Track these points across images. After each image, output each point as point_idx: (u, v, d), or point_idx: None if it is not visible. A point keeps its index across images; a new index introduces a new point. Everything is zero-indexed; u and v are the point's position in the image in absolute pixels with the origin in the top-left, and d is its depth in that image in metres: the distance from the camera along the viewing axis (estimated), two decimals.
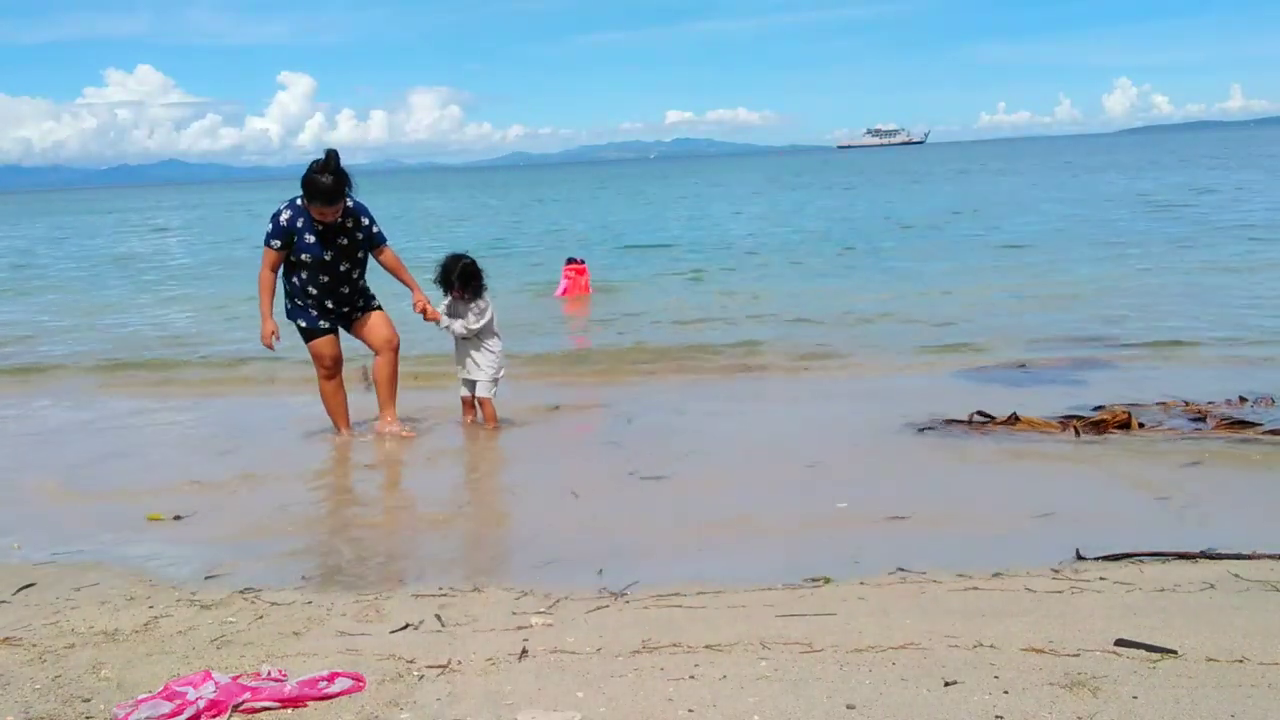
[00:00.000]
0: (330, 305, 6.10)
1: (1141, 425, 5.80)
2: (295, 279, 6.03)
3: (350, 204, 5.92)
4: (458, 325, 6.23)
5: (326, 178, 5.72)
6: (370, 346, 6.28)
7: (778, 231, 23.49)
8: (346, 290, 6.11)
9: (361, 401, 6.59)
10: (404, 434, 6.26)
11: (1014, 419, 5.95)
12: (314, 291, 6.03)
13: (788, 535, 4.40)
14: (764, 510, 4.72)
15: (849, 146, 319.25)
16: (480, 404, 6.41)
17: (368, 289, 6.29)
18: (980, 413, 6.04)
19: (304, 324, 6.12)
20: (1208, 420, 5.84)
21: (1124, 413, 5.87)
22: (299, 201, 5.88)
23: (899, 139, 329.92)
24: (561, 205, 44.53)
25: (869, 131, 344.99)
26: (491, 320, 6.30)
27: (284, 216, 5.89)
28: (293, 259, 5.97)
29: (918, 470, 5.29)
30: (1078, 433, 5.72)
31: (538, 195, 57.60)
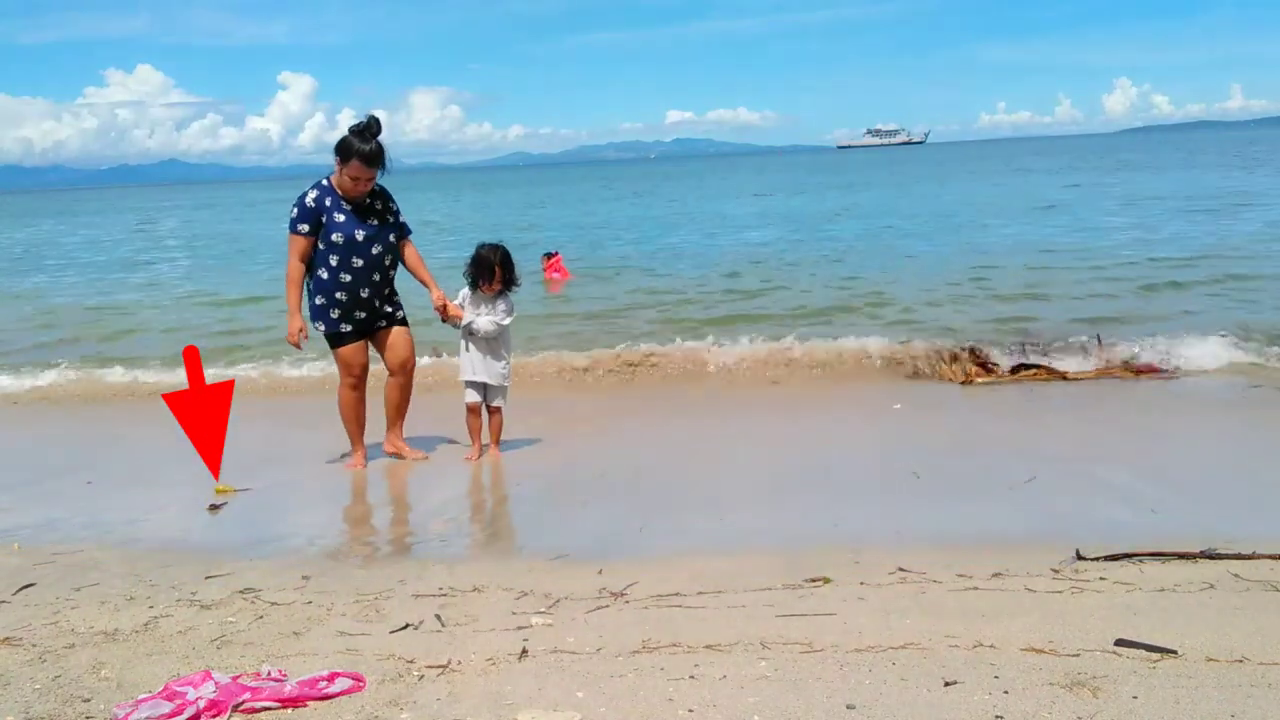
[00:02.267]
0: (364, 295, 5.63)
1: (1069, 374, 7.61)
2: (323, 270, 5.57)
3: (378, 187, 5.64)
4: (484, 321, 5.70)
5: (370, 139, 5.43)
6: (385, 364, 5.92)
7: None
8: (378, 279, 5.66)
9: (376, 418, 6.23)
10: (408, 455, 5.97)
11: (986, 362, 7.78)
12: (346, 280, 5.56)
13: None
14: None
15: (849, 146, 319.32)
16: (490, 413, 5.94)
17: (395, 291, 5.87)
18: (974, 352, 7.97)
19: (324, 328, 5.68)
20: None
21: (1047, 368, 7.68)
22: (325, 181, 5.56)
23: (899, 139, 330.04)
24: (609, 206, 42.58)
25: (869, 131, 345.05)
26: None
27: (310, 197, 5.51)
28: (321, 245, 5.53)
29: None
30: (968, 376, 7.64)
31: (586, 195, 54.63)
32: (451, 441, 6.28)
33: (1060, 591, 3.49)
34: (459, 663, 3.07)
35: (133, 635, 3.42)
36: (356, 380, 5.81)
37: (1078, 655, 2.96)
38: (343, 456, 6.00)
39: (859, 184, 47.03)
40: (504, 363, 5.88)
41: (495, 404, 5.91)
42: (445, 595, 3.72)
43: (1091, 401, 6.91)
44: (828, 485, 5.14)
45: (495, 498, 5.45)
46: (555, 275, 14.93)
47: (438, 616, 3.49)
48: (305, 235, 5.52)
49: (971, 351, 7.97)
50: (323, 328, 5.69)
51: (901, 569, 3.78)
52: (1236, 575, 3.57)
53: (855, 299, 11.84)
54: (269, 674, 3.00)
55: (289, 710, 2.82)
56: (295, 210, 5.53)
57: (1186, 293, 11.21)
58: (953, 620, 3.25)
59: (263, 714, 2.81)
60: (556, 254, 15.51)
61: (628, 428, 6.58)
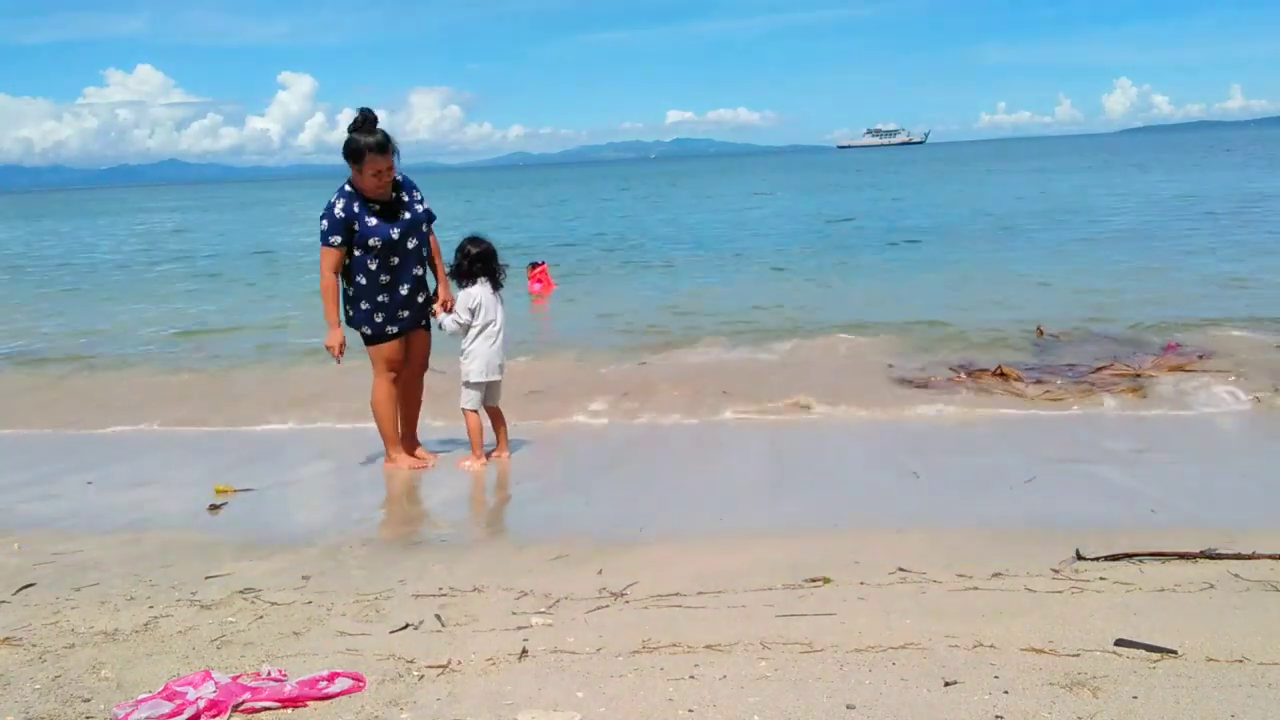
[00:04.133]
0: (405, 293, 5.59)
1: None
2: (362, 276, 5.50)
3: (399, 177, 5.56)
4: (446, 319, 5.70)
5: (373, 130, 5.35)
6: (408, 363, 5.84)
7: None
8: (419, 272, 5.64)
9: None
10: (428, 461, 5.91)
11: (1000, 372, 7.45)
12: (386, 281, 5.50)
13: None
14: None
15: (849, 146, 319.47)
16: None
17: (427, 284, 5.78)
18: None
19: (369, 331, 5.58)
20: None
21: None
22: (347, 187, 5.44)
23: (899, 139, 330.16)
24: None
25: (869, 131, 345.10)
26: (478, 315, 5.64)
27: (338, 208, 5.40)
28: (357, 251, 5.45)
29: None
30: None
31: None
32: (453, 443, 6.29)
33: (1060, 591, 3.49)
34: (459, 663, 3.07)
35: (133, 635, 3.42)
36: (396, 376, 5.73)
37: (1078, 655, 2.96)
38: (374, 458, 5.90)
39: (895, 184, 45.63)
40: (464, 362, 5.75)
41: (462, 404, 5.82)
42: (445, 595, 3.72)
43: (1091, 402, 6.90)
44: (828, 485, 5.15)
45: (495, 498, 5.45)
46: (538, 286, 14.13)
47: (438, 616, 3.49)
48: (338, 247, 5.42)
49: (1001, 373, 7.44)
50: (368, 331, 5.59)
51: (901, 569, 3.78)
52: (1236, 575, 3.57)
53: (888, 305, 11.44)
54: (269, 674, 3.00)
55: (289, 710, 2.82)
56: (325, 223, 5.42)
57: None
58: (953, 620, 3.25)
59: (263, 714, 2.81)
60: (542, 263, 14.66)
61: (628, 428, 6.57)
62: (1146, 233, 18.02)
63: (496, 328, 5.73)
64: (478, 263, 5.66)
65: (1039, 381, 7.20)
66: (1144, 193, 29.04)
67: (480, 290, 5.66)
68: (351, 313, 5.60)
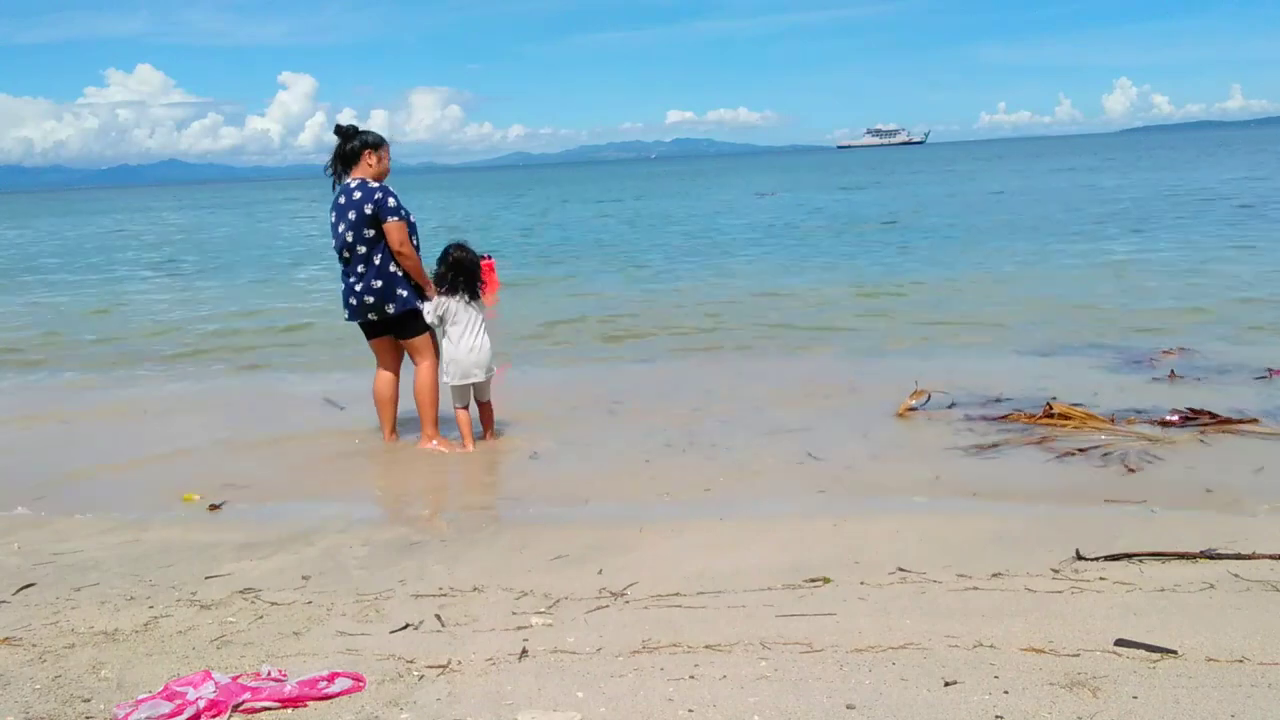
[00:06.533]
0: None
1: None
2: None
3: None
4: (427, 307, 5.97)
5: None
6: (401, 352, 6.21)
7: None
8: None
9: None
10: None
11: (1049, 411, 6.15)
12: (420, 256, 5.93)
13: None
14: None
15: (849, 146, 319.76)
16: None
17: None
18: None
19: (418, 307, 5.90)
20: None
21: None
22: (372, 182, 5.78)
23: (899, 139, 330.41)
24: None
25: (869, 131, 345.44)
26: (448, 317, 5.93)
27: (389, 188, 5.76)
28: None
29: None
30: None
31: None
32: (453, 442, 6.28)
33: (1060, 591, 3.48)
34: (459, 663, 3.07)
35: (133, 635, 3.42)
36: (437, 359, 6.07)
37: (1078, 655, 2.96)
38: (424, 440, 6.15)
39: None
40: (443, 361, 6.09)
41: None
42: (445, 595, 3.72)
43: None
44: (827, 485, 5.14)
45: (495, 497, 5.45)
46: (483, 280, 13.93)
47: (438, 616, 3.49)
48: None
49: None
50: (419, 306, 5.91)
51: (901, 569, 3.78)
52: (1236, 575, 3.57)
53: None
54: (269, 674, 3.00)
55: (289, 710, 2.83)
56: (393, 199, 5.71)
57: None
58: (953, 620, 3.25)
59: (263, 714, 2.81)
60: (487, 258, 14.51)
61: (628, 428, 6.57)
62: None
63: (465, 333, 5.96)
64: (447, 271, 5.94)
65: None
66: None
67: (446, 297, 5.93)
68: (405, 293, 5.82)
